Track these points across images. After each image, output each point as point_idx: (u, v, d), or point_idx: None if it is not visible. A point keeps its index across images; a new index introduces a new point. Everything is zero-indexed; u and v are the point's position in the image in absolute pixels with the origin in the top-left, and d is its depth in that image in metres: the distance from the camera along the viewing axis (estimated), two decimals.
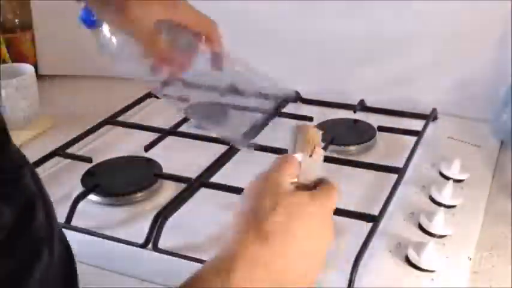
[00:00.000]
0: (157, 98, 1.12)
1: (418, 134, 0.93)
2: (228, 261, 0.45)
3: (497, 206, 0.81)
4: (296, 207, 0.48)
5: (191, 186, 0.82)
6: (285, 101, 1.06)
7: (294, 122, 0.97)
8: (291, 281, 0.47)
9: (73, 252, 0.46)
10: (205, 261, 0.68)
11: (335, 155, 0.90)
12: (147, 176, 0.86)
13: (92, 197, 0.82)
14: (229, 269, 0.44)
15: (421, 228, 0.74)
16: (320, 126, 0.98)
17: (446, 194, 0.78)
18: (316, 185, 0.52)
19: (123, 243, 0.73)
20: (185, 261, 0.70)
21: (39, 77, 1.18)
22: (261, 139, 0.89)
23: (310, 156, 0.53)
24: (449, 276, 0.67)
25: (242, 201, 0.50)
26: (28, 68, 1.07)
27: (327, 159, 0.87)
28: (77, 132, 0.97)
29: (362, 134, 0.96)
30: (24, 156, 0.44)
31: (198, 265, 0.68)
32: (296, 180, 0.51)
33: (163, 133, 0.96)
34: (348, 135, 0.96)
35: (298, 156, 0.52)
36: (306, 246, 0.48)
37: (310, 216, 0.48)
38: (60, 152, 0.92)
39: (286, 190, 0.49)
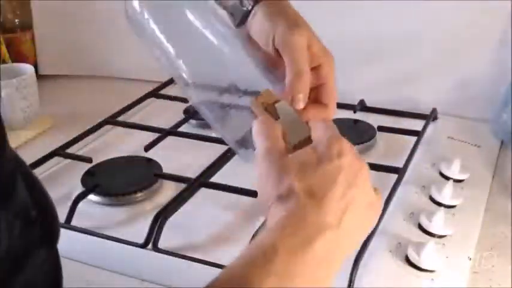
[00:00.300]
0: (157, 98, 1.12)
1: (418, 134, 0.93)
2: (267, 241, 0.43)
3: (497, 206, 0.81)
4: (304, 166, 0.46)
5: (191, 186, 0.82)
6: None
7: None
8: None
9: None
10: (205, 261, 0.69)
11: None
12: (147, 176, 0.86)
13: (92, 197, 0.82)
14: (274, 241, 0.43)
15: (421, 228, 0.74)
16: None
17: (446, 194, 0.78)
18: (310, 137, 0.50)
19: (123, 243, 0.73)
20: (185, 261, 0.70)
21: (39, 77, 1.18)
22: None
23: (277, 118, 0.50)
24: (449, 276, 0.67)
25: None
26: (28, 68, 1.07)
27: None
28: (77, 132, 0.97)
29: (362, 134, 0.96)
30: (18, 158, 0.43)
31: (198, 265, 0.69)
32: (291, 144, 0.49)
33: (163, 133, 0.96)
34: (348, 135, 0.96)
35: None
36: (336, 195, 0.45)
37: (321, 164, 0.46)
38: (60, 152, 0.92)
39: (285, 157, 0.47)
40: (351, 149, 0.48)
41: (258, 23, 0.58)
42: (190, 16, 0.56)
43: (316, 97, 0.56)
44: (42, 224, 0.43)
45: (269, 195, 0.46)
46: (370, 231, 0.50)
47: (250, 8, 0.59)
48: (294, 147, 0.50)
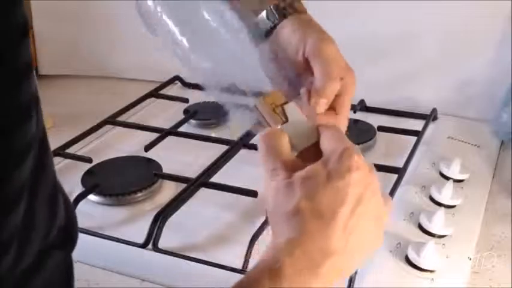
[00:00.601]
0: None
1: (418, 134, 0.93)
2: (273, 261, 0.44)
3: (497, 206, 0.81)
4: (313, 183, 0.45)
5: (191, 186, 0.82)
6: None
7: None
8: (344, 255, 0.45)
9: (73, 252, 0.46)
10: (205, 261, 0.69)
11: None
12: (147, 176, 0.86)
13: (92, 197, 0.82)
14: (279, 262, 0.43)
15: (421, 228, 0.74)
16: None
17: (446, 194, 0.78)
18: (318, 143, 0.49)
19: (123, 243, 0.73)
20: (185, 261, 0.70)
21: (39, 77, 1.18)
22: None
23: (286, 120, 0.49)
24: (449, 276, 0.67)
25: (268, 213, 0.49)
26: None
27: None
28: (77, 132, 0.97)
29: (362, 134, 0.96)
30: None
31: (198, 265, 0.69)
32: (295, 152, 0.48)
33: (163, 133, 0.96)
34: (348, 135, 0.96)
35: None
36: (344, 216, 0.44)
37: (330, 181, 0.45)
38: (60, 152, 0.92)
39: (292, 174, 0.46)
40: (361, 163, 0.47)
41: (287, 34, 0.60)
42: (205, 13, 0.57)
43: (330, 105, 0.57)
44: (65, 228, 0.43)
45: (277, 211, 0.47)
46: (376, 248, 0.49)
47: (277, 22, 0.61)
48: (300, 152, 0.49)
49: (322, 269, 0.44)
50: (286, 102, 0.50)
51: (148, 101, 1.11)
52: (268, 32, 0.61)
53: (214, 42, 0.57)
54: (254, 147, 0.90)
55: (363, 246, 0.47)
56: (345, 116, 0.58)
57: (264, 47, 0.61)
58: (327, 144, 0.49)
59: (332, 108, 0.57)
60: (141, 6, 0.56)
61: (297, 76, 0.60)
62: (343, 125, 0.58)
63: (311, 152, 0.50)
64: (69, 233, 0.44)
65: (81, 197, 0.80)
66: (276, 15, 0.61)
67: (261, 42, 0.61)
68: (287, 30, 0.60)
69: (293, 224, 0.45)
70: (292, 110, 0.50)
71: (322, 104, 0.54)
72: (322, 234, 0.44)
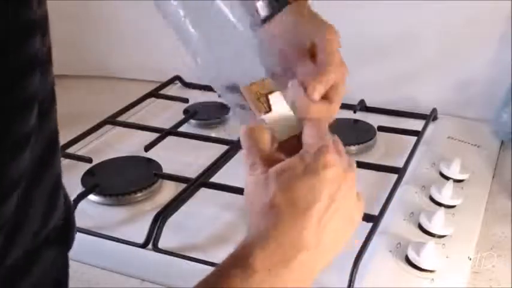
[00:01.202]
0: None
1: (418, 134, 0.93)
2: (246, 251, 0.44)
3: (497, 206, 0.81)
4: (289, 177, 0.45)
5: (191, 186, 0.82)
6: None
7: None
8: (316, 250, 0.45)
9: (72, 252, 0.46)
10: (205, 261, 0.69)
11: None
12: (147, 176, 0.86)
13: (92, 197, 0.82)
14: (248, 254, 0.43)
15: (421, 228, 0.74)
16: None
17: (446, 194, 0.78)
18: (300, 136, 0.49)
19: (123, 243, 0.73)
20: (185, 261, 0.70)
21: None
22: None
23: (270, 109, 0.49)
24: (449, 276, 0.67)
25: (246, 207, 0.49)
26: None
27: None
28: (77, 132, 0.97)
29: (362, 134, 0.96)
30: None
31: (198, 265, 0.69)
32: (275, 144, 0.48)
33: (163, 133, 0.96)
34: (348, 135, 0.96)
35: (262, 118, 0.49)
36: (318, 211, 0.45)
37: (306, 176, 0.45)
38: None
39: (270, 168, 0.47)
40: (337, 161, 0.47)
41: (292, 21, 0.60)
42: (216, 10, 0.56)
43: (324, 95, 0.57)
44: (62, 226, 0.43)
45: (254, 205, 0.47)
46: (344, 247, 0.49)
47: (277, 8, 0.61)
48: (281, 143, 0.49)
49: (294, 264, 0.44)
50: (271, 92, 0.50)
51: (148, 101, 1.11)
52: (266, 19, 0.61)
53: (222, 40, 0.56)
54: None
55: (334, 244, 0.47)
56: (338, 105, 0.58)
57: (260, 34, 0.61)
58: (307, 138, 0.49)
59: (325, 97, 0.56)
60: (159, 6, 0.56)
61: (287, 66, 0.59)
62: (335, 114, 0.58)
63: (292, 144, 0.50)
64: (65, 232, 0.44)
65: (81, 197, 0.80)
66: (276, 2, 0.60)
67: (257, 29, 0.61)
68: (291, 18, 0.60)
69: (269, 217, 0.45)
70: (278, 100, 0.50)
71: (318, 91, 0.54)
72: (296, 227, 0.44)
